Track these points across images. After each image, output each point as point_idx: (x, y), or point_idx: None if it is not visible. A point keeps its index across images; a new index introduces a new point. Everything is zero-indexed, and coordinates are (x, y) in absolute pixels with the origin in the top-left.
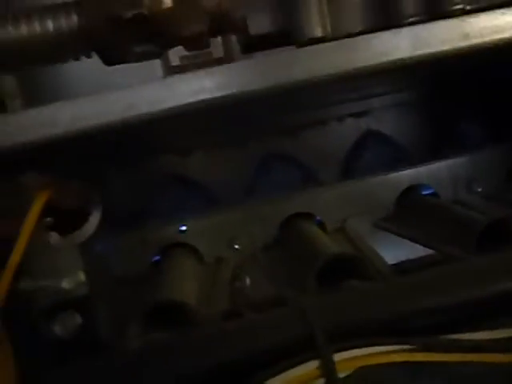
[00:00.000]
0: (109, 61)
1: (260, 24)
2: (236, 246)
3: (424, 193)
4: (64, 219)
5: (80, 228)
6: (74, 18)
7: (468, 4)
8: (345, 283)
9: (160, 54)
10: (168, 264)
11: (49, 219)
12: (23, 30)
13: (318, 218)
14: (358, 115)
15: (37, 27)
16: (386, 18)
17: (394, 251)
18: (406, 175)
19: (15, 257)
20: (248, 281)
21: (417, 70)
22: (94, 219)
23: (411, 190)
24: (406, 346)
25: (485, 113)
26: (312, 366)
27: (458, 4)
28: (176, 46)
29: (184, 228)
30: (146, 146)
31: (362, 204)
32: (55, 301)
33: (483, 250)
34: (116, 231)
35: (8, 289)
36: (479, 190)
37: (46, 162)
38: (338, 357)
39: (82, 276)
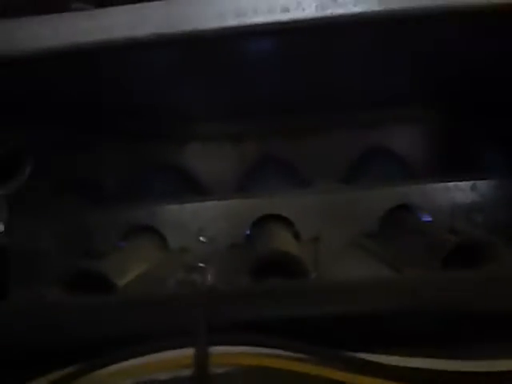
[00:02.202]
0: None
1: None
2: (201, 239)
3: (418, 216)
4: None
5: (8, 180)
6: None
7: None
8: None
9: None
10: (129, 246)
11: None
12: None
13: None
14: (367, 125)
15: None
16: None
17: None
18: (398, 192)
19: None
20: (205, 276)
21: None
22: (23, 175)
23: (401, 209)
24: (291, 354)
25: (506, 139)
26: (186, 353)
27: None
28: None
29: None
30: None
31: (343, 216)
32: None
33: None
34: (98, 205)
35: None
36: (479, 220)
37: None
38: (216, 350)
39: (1, 226)
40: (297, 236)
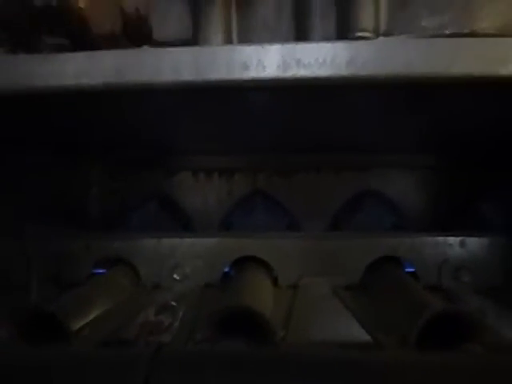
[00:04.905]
0: (23, 50)
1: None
2: (176, 276)
3: (403, 270)
4: None
5: None
6: None
7: None
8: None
9: (73, 48)
10: (101, 278)
11: None
12: None
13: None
14: (358, 169)
15: None
16: None
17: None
18: (385, 243)
19: None
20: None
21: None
22: None
23: (386, 261)
24: None
25: (499, 196)
26: None
27: None
28: (89, 42)
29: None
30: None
31: (326, 264)
32: None
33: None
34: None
35: None
36: (466, 279)
37: None
38: None
39: None
40: (275, 281)
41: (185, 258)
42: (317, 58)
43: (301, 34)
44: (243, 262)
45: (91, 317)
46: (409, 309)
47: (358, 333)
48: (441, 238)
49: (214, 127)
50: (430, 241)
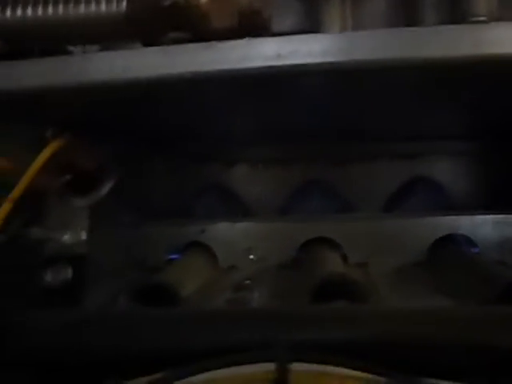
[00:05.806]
0: (147, 44)
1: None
2: (251, 257)
3: (466, 247)
4: (81, 181)
5: (93, 191)
6: (123, 4)
7: None
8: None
9: (193, 42)
10: (182, 261)
11: (67, 177)
12: (81, 9)
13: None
14: (410, 157)
15: (92, 8)
16: None
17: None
18: (447, 222)
19: (16, 192)
20: (255, 294)
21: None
22: (106, 187)
23: (450, 239)
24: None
25: None
26: (267, 367)
27: None
28: (208, 37)
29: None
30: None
31: (391, 243)
32: (53, 252)
33: None
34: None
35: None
36: None
37: None
38: (295, 366)
39: (83, 235)
40: (344, 260)
41: (257, 240)
42: (439, 40)
43: (412, 24)
44: (313, 243)
45: (190, 289)
46: (484, 277)
47: (438, 302)
48: (501, 216)
49: (273, 119)
50: (491, 219)
